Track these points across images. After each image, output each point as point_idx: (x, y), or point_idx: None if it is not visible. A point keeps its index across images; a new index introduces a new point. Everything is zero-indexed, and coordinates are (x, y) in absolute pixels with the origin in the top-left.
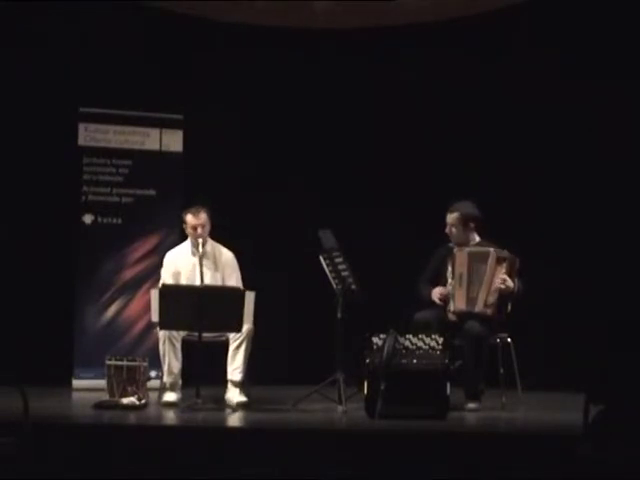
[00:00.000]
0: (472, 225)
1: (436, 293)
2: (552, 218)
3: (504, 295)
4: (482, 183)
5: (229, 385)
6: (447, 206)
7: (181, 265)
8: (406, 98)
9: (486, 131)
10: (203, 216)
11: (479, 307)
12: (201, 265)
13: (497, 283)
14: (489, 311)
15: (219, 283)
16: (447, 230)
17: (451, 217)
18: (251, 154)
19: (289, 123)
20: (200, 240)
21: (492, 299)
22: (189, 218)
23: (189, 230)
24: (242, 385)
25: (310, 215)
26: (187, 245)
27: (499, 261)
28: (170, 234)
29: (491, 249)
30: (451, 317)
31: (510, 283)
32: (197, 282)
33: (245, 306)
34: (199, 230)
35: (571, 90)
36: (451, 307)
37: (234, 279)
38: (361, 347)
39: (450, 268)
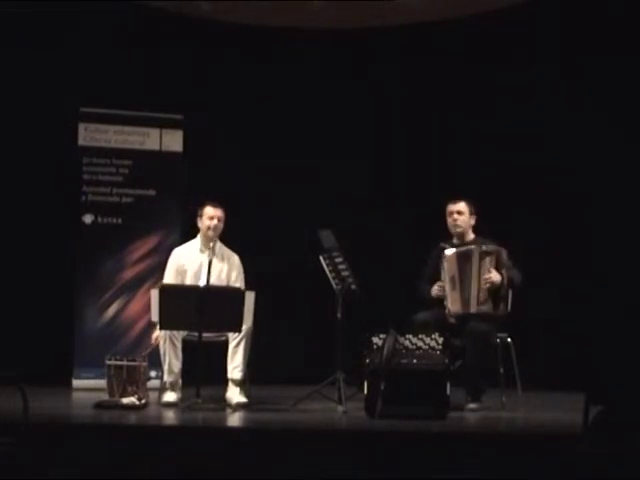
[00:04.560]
0: (474, 218)
1: (435, 289)
2: (552, 218)
3: (495, 289)
4: (482, 183)
5: (229, 384)
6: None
7: (188, 262)
8: (406, 98)
9: (486, 131)
10: (221, 210)
11: (474, 307)
12: (209, 265)
13: (484, 280)
14: (484, 308)
15: (224, 285)
16: (451, 219)
17: (458, 204)
18: (251, 154)
19: (289, 123)
20: (212, 234)
21: (483, 296)
22: (208, 209)
23: (205, 220)
24: (242, 384)
25: (310, 215)
26: (196, 243)
27: (482, 257)
28: (170, 234)
29: (472, 247)
30: (450, 320)
31: (495, 277)
32: (202, 282)
33: (245, 306)
34: (215, 221)
35: (570, 90)
36: (449, 310)
37: (239, 282)
38: (361, 347)
39: (443, 271)
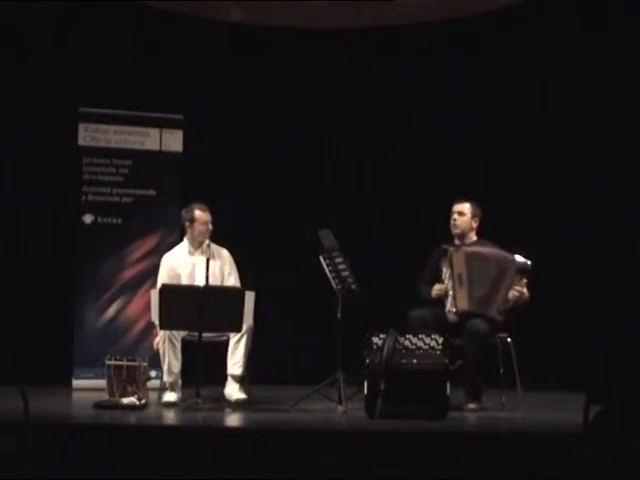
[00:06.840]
0: (476, 221)
1: (435, 289)
2: (551, 218)
3: (517, 303)
4: (482, 183)
5: (229, 379)
6: (452, 200)
7: (180, 266)
8: (406, 98)
9: (486, 131)
10: (209, 212)
11: (492, 312)
12: (207, 264)
13: (513, 293)
14: (500, 317)
15: (219, 281)
16: (453, 218)
17: (461, 205)
18: (251, 154)
19: (288, 123)
20: (207, 237)
21: (504, 306)
22: (199, 214)
23: (198, 226)
24: (242, 380)
25: (310, 215)
26: (184, 246)
27: (521, 272)
28: (170, 234)
29: (515, 255)
30: (451, 318)
31: (527, 295)
32: (197, 282)
33: (245, 306)
34: (210, 226)
35: (571, 90)
36: (452, 307)
37: (233, 277)
38: (361, 347)
39: (446, 270)
